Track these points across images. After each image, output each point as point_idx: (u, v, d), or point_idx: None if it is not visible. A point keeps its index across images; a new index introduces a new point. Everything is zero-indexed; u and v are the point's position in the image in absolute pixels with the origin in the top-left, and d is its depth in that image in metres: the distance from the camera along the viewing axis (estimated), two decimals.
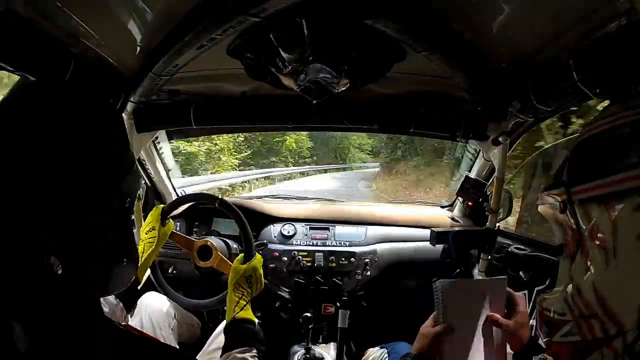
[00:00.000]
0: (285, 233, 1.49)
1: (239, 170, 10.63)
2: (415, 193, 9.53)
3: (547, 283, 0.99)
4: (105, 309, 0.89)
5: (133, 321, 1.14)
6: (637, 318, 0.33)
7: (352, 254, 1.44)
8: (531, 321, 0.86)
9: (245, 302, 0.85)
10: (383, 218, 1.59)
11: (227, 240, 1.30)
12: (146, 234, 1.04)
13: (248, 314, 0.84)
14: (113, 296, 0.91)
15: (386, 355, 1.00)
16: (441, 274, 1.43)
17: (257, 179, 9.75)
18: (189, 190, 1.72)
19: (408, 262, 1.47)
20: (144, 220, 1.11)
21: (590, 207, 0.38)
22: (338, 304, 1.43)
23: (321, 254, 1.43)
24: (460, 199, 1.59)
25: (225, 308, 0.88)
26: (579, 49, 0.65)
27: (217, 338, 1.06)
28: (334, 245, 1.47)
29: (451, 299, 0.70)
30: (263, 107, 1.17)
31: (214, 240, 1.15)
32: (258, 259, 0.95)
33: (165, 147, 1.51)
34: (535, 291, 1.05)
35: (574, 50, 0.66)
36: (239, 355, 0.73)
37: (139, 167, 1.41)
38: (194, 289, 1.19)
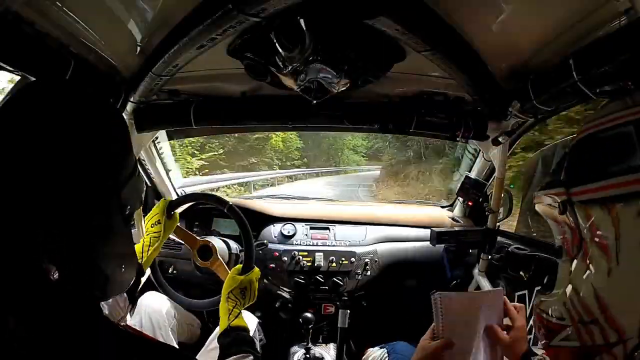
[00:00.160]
0: (286, 233, 1.49)
1: (200, 175, 8.60)
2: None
3: (544, 282, 0.99)
4: (109, 300, 0.89)
5: (133, 321, 1.14)
6: (638, 326, 0.33)
7: (352, 254, 1.44)
8: (530, 322, 0.86)
9: (238, 311, 0.86)
10: (383, 218, 1.59)
11: (228, 241, 1.30)
12: (152, 226, 1.04)
13: (242, 322, 0.85)
14: None
15: (386, 355, 1.01)
16: (441, 274, 1.44)
17: (227, 186, 8.02)
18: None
19: (408, 262, 1.47)
20: (144, 220, 1.11)
21: (592, 209, 0.37)
22: (338, 304, 1.43)
23: (321, 254, 1.43)
24: (460, 199, 1.59)
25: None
26: (579, 49, 0.65)
27: (216, 338, 1.06)
28: (334, 245, 1.47)
29: (450, 312, 0.70)
30: (263, 107, 1.17)
31: (215, 242, 1.16)
32: (256, 272, 0.95)
33: (165, 147, 1.51)
34: (535, 291, 1.05)
35: (574, 50, 0.66)
36: None
37: (139, 167, 1.41)
38: (194, 289, 1.19)
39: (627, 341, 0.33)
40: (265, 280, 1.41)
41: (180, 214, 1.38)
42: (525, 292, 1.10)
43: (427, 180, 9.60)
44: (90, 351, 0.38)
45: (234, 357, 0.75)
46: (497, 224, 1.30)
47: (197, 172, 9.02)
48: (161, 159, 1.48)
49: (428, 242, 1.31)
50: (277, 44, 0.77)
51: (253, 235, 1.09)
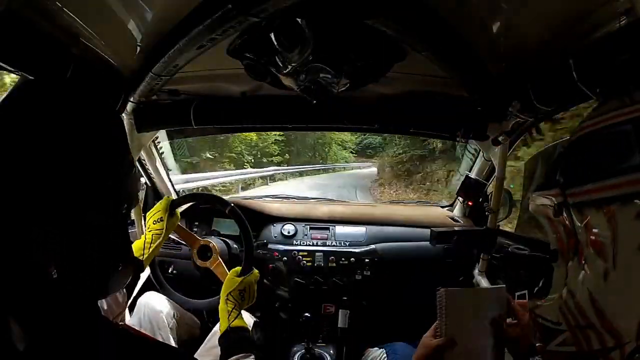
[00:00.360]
0: (286, 233, 1.49)
1: None
2: None
3: (540, 284, 0.99)
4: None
5: (133, 321, 1.14)
6: (636, 330, 0.32)
7: (352, 254, 1.44)
8: None
9: (237, 312, 0.86)
10: (383, 218, 1.58)
11: (228, 241, 1.30)
12: (154, 223, 1.04)
13: (242, 322, 0.85)
14: None
15: (385, 355, 1.01)
16: (441, 274, 1.44)
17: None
18: None
19: (408, 262, 1.47)
20: (144, 220, 1.11)
21: (588, 211, 0.36)
22: (338, 304, 1.43)
23: (321, 254, 1.43)
24: (460, 199, 1.59)
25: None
26: (579, 49, 0.65)
27: (215, 336, 1.07)
28: (334, 245, 1.47)
29: (454, 308, 0.70)
30: (263, 107, 1.17)
31: (216, 243, 1.16)
32: (255, 274, 0.96)
33: (165, 147, 1.51)
34: (535, 291, 1.05)
35: (574, 50, 0.66)
36: None
37: (139, 167, 1.41)
38: (194, 289, 1.19)
39: (625, 345, 0.33)
40: (265, 280, 1.41)
41: (181, 213, 1.39)
42: (525, 292, 1.09)
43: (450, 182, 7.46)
44: (90, 351, 0.38)
45: (235, 357, 0.75)
46: (497, 224, 1.30)
47: None
48: (161, 159, 1.49)
49: (428, 242, 1.31)
50: (277, 44, 0.77)
51: (253, 235, 1.10)
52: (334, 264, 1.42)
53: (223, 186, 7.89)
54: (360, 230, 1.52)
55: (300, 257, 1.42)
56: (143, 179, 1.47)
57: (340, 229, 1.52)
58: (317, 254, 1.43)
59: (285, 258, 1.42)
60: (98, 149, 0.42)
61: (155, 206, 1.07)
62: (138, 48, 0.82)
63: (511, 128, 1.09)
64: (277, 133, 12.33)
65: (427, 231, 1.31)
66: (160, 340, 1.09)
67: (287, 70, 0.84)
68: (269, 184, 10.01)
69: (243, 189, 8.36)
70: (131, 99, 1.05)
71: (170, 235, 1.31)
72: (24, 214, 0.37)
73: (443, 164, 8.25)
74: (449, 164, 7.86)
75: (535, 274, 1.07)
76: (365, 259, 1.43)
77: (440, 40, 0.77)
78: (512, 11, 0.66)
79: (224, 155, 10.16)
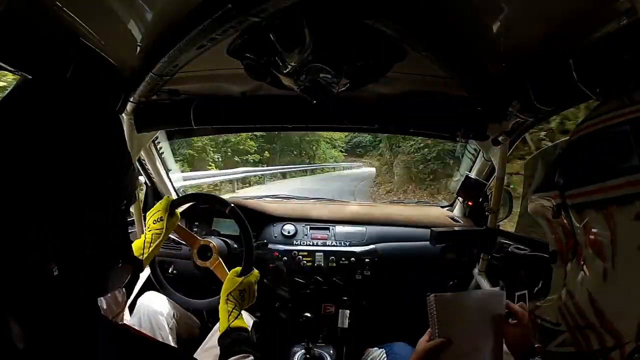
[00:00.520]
0: (286, 233, 1.49)
1: None
2: None
3: (540, 285, 0.98)
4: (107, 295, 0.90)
5: (132, 320, 1.14)
6: (636, 330, 0.32)
7: (352, 253, 1.44)
8: None
9: (237, 312, 0.86)
10: (383, 218, 1.59)
11: (228, 241, 1.30)
12: (153, 223, 1.04)
13: (242, 322, 0.85)
14: None
15: (384, 355, 1.01)
16: (441, 274, 1.44)
17: None
18: None
19: (408, 262, 1.47)
20: (145, 220, 1.11)
21: (587, 213, 0.36)
22: (338, 304, 1.43)
23: (321, 254, 1.43)
24: (460, 199, 1.59)
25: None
26: (579, 49, 0.65)
27: (214, 336, 1.07)
28: (334, 245, 1.47)
29: (445, 313, 0.70)
30: (263, 107, 1.17)
31: (215, 242, 1.16)
32: (255, 274, 0.96)
33: (165, 147, 1.51)
34: (535, 291, 1.05)
35: (574, 50, 0.66)
36: None
37: (139, 167, 1.41)
38: (194, 289, 1.19)
39: (625, 345, 0.32)
40: (265, 280, 1.41)
41: (181, 213, 1.39)
42: (525, 292, 1.09)
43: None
44: (90, 351, 0.38)
45: (235, 357, 0.75)
46: (497, 224, 1.30)
47: None
48: (161, 159, 1.49)
49: (428, 242, 1.31)
50: (277, 44, 0.77)
51: (253, 235, 1.10)
52: (334, 264, 1.42)
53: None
54: (360, 230, 1.52)
55: (300, 257, 1.42)
56: (142, 178, 1.47)
57: (340, 229, 1.52)
58: (317, 254, 1.43)
59: (285, 258, 1.42)
60: (98, 148, 0.42)
61: (155, 206, 1.07)
62: (138, 48, 0.82)
63: (511, 128, 1.09)
64: None
65: (427, 231, 1.31)
66: (160, 340, 1.09)
67: (287, 70, 0.84)
68: (237, 190, 7.90)
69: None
70: (131, 99, 1.05)
71: (170, 235, 1.31)
72: (24, 213, 0.37)
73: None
74: None
75: (535, 274, 1.07)
76: (365, 259, 1.43)
77: (440, 40, 0.77)
78: (512, 11, 0.66)
79: (178, 152, 7.62)
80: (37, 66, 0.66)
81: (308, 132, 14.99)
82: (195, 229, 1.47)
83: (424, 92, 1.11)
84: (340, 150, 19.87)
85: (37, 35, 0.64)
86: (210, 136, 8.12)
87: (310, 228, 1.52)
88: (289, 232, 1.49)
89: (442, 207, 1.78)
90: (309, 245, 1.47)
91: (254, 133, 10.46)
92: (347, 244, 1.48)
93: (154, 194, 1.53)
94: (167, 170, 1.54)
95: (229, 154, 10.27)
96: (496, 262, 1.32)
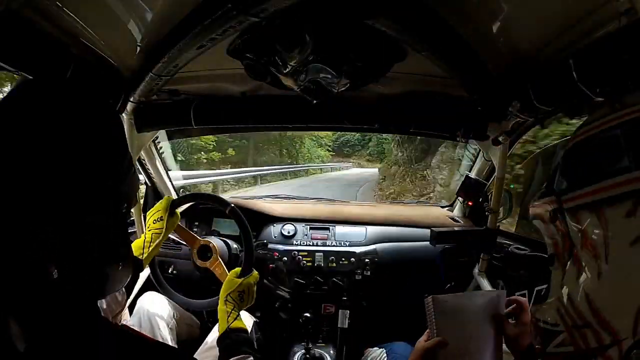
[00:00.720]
0: (286, 233, 1.49)
1: None
2: None
3: (542, 293, 0.98)
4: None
5: (132, 321, 1.14)
6: (632, 326, 0.32)
7: (352, 254, 1.44)
8: None
9: (237, 313, 0.86)
10: (383, 218, 1.59)
11: (227, 241, 1.30)
12: (154, 222, 1.04)
13: (241, 323, 0.85)
14: None
15: (384, 355, 1.01)
16: (441, 274, 1.44)
17: None
18: None
19: (408, 262, 1.47)
20: (144, 221, 1.11)
21: (581, 214, 0.37)
22: (338, 304, 1.43)
23: (321, 254, 1.43)
24: (460, 199, 1.59)
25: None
26: (579, 49, 0.65)
27: (214, 336, 1.07)
28: (334, 245, 1.47)
29: (443, 315, 0.70)
30: (263, 107, 1.17)
31: (216, 243, 1.16)
32: (254, 275, 0.96)
33: (165, 147, 1.51)
34: (535, 291, 1.05)
35: (574, 50, 0.66)
36: None
37: (139, 167, 1.41)
38: (194, 289, 1.19)
39: (622, 342, 0.33)
40: (265, 280, 1.41)
41: (181, 213, 1.39)
42: (525, 292, 1.10)
43: None
44: (90, 351, 0.38)
45: (234, 358, 0.75)
46: (497, 224, 1.30)
47: None
48: (161, 159, 1.49)
49: (428, 242, 1.31)
50: (277, 44, 0.77)
51: (253, 235, 1.10)
52: (334, 264, 1.42)
53: None
54: (360, 230, 1.52)
55: (300, 257, 1.42)
56: (142, 178, 1.47)
57: (340, 229, 1.52)
58: (317, 254, 1.43)
59: (285, 258, 1.42)
60: (98, 149, 0.42)
61: (155, 205, 1.07)
62: (138, 48, 0.82)
63: (511, 128, 1.09)
64: None
65: (427, 231, 1.31)
66: (160, 340, 1.09)
67: (287, 70, 0.84)
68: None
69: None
70: (131, 99, 1.05)
71: (170, 235, 1.31)
72: (25, 215, 0.37)
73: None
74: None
75: (535, 274, 1.07)
76: (365, 259, 1.43)
77: (440, 40, 0.77)
78: (512, 11, 0.66)
79: None
80: (37, 66, 0.66)
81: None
82: (195, 229, 1.47)
83: (424, 92, 1.11)
84: (328, 149, 17.63)
85: (37, 35, 0.64)
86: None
87: (310, 228, 1.52)
88: (288, 232, 1.49)
89: (442, 207, 1.78)
90: (309, 245, 1.47)
91: None
92: (347, 244, 1.48)
93: (154, 194, 1.53)
94: (167, 170, 1.54)
95: (185, 153, 8.06)
96: (496, 262, 1.32)
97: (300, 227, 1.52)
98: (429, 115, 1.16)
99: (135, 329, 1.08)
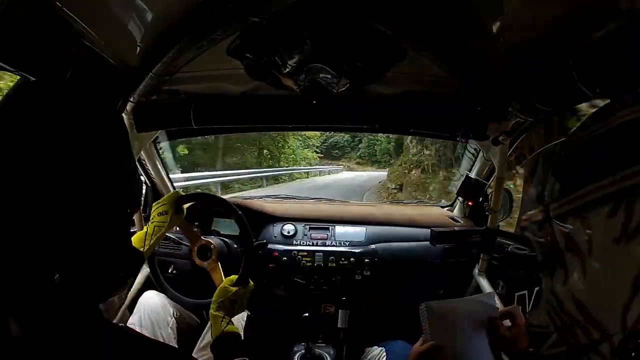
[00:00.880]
0: (285, 233, 1.49)
1: None
2: None
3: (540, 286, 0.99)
4: None
5: (132, 320, 1.14)
6: (620, 321, 0.33)
7: (352, 254, 1.44)
8: None
9: (228, 319, 0.87)
10: (383, 218, 1.58)
11: (227, 241, 1.30)
12: (158, 215, 1.04)
13: (234, 328, 0.86)
14: None
15: (384, 354, 1.01)
16: (441, 273, 1.44)
17: None
18: None
19: (408, 262, 1.47)
20: (145, 222, 1.11)
21: (567, 220, 0.39)
22: (338, 304, 1.43)
23: (321, 254, 1.43)
24: (460, 198, 1.59)
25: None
26: (579, 49, 0.65)
27: (207, 334, 1.08)
28: (333, 245, 1.47)
29: (437, 320, 0.71)
30: (263, 107, 1.18)
31: (216, 243, 1.16)
32: (249, 287, 0.96)
33: (165, 147, 1.51)
34: (535, 291, 1.05)
35: (574, 50, 0.66)
36: None
37: (139, 167, 1.41)
38: (194, 288, 1.19)
39: (612, 337, 0.34)
40: (265, 280, 1.41)
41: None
42: (525, 292, 1.10)
43: None
44: (90, 351, 0.38)
45: None
46: (497, 223, 1.30)
47: None
48: (161, 159, 1.49)
49: (428, 242, 1.31)
50: (277, 44, 0.77)
51: (253, 236, 1.10)
52: (334, 264, 1.42)
53: None
54: (360, 230, 1.52)
55: (300, 257, 1.42)
56: (142, 178, 1.47)
57: (340, 229, 1.52)
58: (317, 254, 1.43)
59: (285, 258, 1.42)
60: (97, 149, 0.42)
61: (162, 198, 1.08)
62: (138, 48, 0.82)
63: (511, 128, 1.09)
64: None
65: (427, 231, 1.31)
66: (161, 339, 1.09)
67: (287, 70, 0.84)
68: None
69: None
70: (131, 99, 1.05)
71: (170, 235, 1.31)
72: (24, 215, 0.37)
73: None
74: None
75: (535, 274, 1.07)
76: (365, 259, 1.43)
77: (440, 40, 0.77)
78: (512, 11, 0.66)
79: None
80: (37, 66, 0.66)
81: None
82: (194, 229, 1.47)
83: (424, 92, 1.11)
84: (315, 151, 15.55)
85: (37, 35, 0.64)
86: None
87: (310, 228, 1.52)
88: (288, 232, 1.49)
89: (442, 207, 1.78)
90: (309, 245, 1.47)
91: None
92: (347, 244, 1.48)
93: (154, 194, 1.54)
94: (167, 171, 1.54)
95: None
96: (496, 262, 1.32)
97: (300, 227, 1.52)
98: (429, 115, 1.16)
99: (136, 328, 1.09)
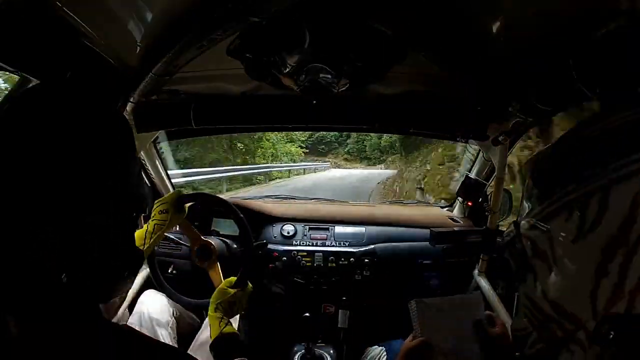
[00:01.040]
0: (285, 233, 1.49)
1: None
2: None
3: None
4: None
5: (132, 319, 1.15)
6: (591, 309, 0.36)
7: (352, 254, 1.44)
8: None
9: (227, 320, 0.87)
10: (383, 218, 1.58)
11: (227, 241, 1.30)
12: (159, 213, 1.04)
13: (232, 329, 0.86)
14: None
15: (384, 353, 1.01)
16: (440, 274, 1.44)
17: None
18: None
19: (408, 262, 1.47)
20: (144, 222, 1.11)
21: (532, 232, 0.43)
22: (338, 304, 1.43)
23: (321, 254, 1.43)
24: (460, 199, 1.59)
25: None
26: (579, 49, 0.65)
27: (202, 334, 1.08)
28: (333, 246, 1.47)
29: (427, 318, 0.72)
30: (263, 107, 1.18)
31: (215, 243, 1.16)
32: (248, 290, 0.96)
33: (165, 147, 1.51)
34: (515, 296, 1.05)
35: (574, 50, 0.66)
36: None
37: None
38: (194, 288, 1.19)
39: (586, 324, 0.36)
40: (265, 280, 1.41)
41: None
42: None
43: None
44: (90, 351, 0.38)
45: None
46: (497, 223, 1.30)
47: None
48: (161, 159, 1.49)
49: (427, 242, 1.31)
50: (277, 44, 0.77)
51: (253, 236, 1.10)
52: (334, 264, 1.42)
53: None
54: (359, 230, 1.52)
55: (300, 257, 1.42)
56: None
57: (339, 229, 1.52)
58: (316, 254, 1.43)
59: (285, 258, 1.42)
60: (99, 149, 0.42)
61: (164, 197, 1.08)
62: (138, 48, 0.82)
63: (511, 128, 1.09)
64: None
65: (427, 231, 1.31)
66: (161, 339, 1.09)
67: (287, 70, 0.84)
68: None
69: None
70: (131, 99, 1.05)
71: (170, 235, 1.31)
72: (24, 215, 0.37)
73: None
74: None
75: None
76: (365, 259, 1.43)
77: (440, 40, 0.77)
78: (512, 11, 0.66)
79: None
80: (37, 66, 0.66)
81: None
82: (194, 229, 1.47)
83: (424, 92, 1.11)
84: (300, 146, 14.17)
85: (37, 35, 0.64)
86: None
87: (310, 228, 1.52)
88: (288, 233, 1.49)
89: (442, 207, 1.78)
90: (309, 245, 1.47)
91: None
92: (347, 244, 1.48)
93: (154, 194, 1.53)
94: (167, 171, 1.54)
95: None
96: (496, 262, 1.32)
97: (300, 227, 1.52)
98: (428, 115, 1.16)
99: (136, 327, 1.08)
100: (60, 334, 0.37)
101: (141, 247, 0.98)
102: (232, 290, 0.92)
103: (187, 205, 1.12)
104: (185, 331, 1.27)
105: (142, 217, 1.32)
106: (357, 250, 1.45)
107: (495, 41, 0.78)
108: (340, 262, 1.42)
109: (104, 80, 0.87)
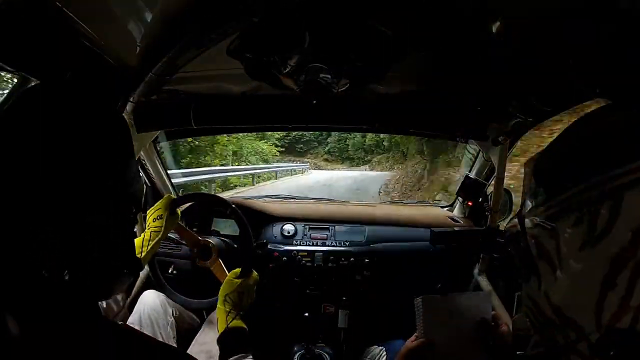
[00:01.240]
0: (285, 233, 1.49)
1: None
2: None
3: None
4: None
5: (132, 319, 1.15)
6: (595, 320, 0.35)
7: (352, 254, 1.44)
8: None
9: (235, 313, 0.86)
10: (383, 218, 1.59)
11: (227, 240, 1.31)
12: (153, 221, 1.04)
13: (240, 323, 0.86)
14: None
15: (384, 353, 1.01)
16: (441, 274, 1.44)
17: None
18: None
19: (408, 262, 1.47)
20: (145, 220, 1.11)
21: (537, 231, 0.41)
22: (338, 304, 1.43)
23: (321, 254, 1.43)
24: (460, 199, 1.59)
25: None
26: (579, 49, 0.65)
27: (201, 336, 1.08)
28: (333, 245, 1.47)
29: (432, 315, 0.71)
30: (263, 107, 1.18)
31: (216, 243, 1.16)
32: (254, 276, 0.95)
33: (165, 147, 1.52)
34: (516, 296, 1.05)
35: (574, 50, 0.66)
36: None
37: (139, 167, 1.41)
38: (194, 289, 1.19)
39: (589, 336, 0.35)
40: (265, 280, 1.41)
41: (181, 212, 1.39)
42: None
43: None
44: (90, 351, 0.38)
45: (234, 357, 0.75)
46: (497, 223, 1.30)
47: None
48: (161, 159, 1.49)
49: (428, 242, 1.31)
50: (277, 44, 0.77)
51: (253, 235, 1.10)
52: (334, 264, 1.42)
53: None
54: (360, 230, 1.52)
55: (300, 257, 1.42)
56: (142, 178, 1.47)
57: (340, 229, 1.52)
58: (316, 254, 1.43)
59: (285, 258, 1.42)
60: (98, 149, 0.42)
61: (155, 204, 1.07)
62: (138, 48, 0.82)
63: (511, 128, 1.09)
64: None
65: (427, 231, 1.31)
66: (161, 339, 1.09)
67: (287, 70, 0.84)
68: None
69: None
70: (131, 99, 1.05)
71: (170, 235, 1.31)
72: (24, 215, 0.37)
73: None
74: None
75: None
76: (365, 259, 1.43)
77: (440, 40, 0.77)
78: (512, 11, 0.66)
79: None
80: (37, 66, 0.66)
81: None
82: (194, 229, 1.47)
83: (424, 92, 1.11)
84: (275, 144, 12.29)
85: (37, 35, 0.64)
86: None
87: (310, 228, 1.52)
88: (288, 232, 1.49)
89: (442, 207, 1.78)
90: (309, 245, 1.47)
91: None
92: (347, 244, 1.48)
93: (154, 194, 1.54)
94: (167, 170, 1.54)
95: None
96: (496, 262, 1.32)
97: (300, 227, 1.52)
98: (428, 115, 1.16)
99: (136, 327, 1.09)
100: (60, 333, 0.37)
101: (139, 256, 0.98)
102: (238, 280, 0.92)
103: (180, 209, 1.12)
104: (185, 331, 1.27)
105: (142, 219, 1.32)
106: (358, 250, 1.45)
107: (496, 41, 0.78)
108: (341, 262, 1.42)
109: (104, 81, 0.87)
